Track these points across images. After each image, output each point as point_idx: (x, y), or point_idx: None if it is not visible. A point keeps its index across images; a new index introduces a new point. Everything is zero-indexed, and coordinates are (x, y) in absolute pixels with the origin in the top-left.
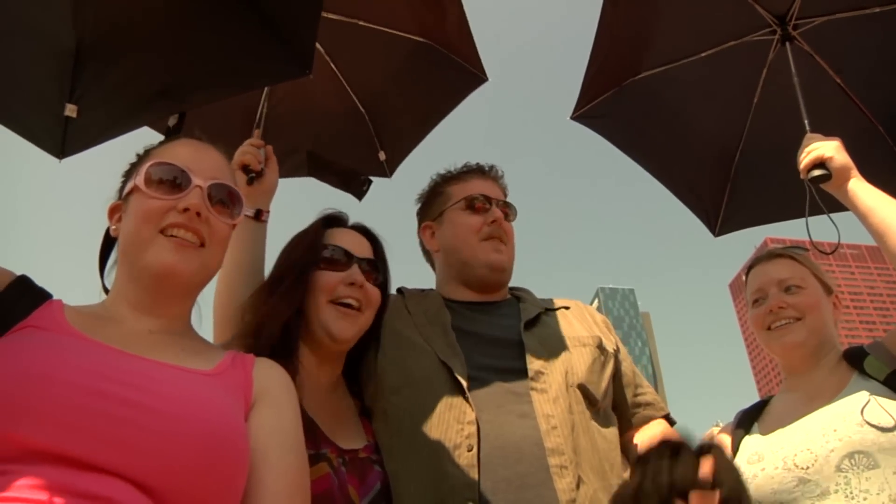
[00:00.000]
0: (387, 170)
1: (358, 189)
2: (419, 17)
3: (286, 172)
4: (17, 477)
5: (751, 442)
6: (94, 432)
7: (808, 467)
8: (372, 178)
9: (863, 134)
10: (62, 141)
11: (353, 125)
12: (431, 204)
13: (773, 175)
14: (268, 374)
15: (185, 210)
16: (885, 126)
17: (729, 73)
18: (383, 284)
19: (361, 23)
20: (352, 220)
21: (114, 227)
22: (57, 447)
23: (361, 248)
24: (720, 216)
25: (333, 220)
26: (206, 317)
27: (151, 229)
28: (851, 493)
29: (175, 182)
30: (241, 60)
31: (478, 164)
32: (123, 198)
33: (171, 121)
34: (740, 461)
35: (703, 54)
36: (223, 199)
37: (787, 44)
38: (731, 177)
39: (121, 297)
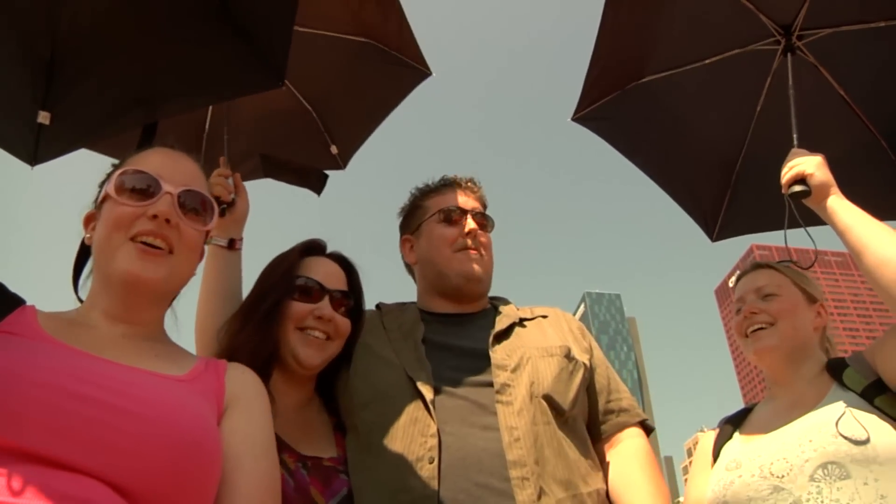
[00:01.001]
0: (340, 162)
1: (315, 184)
2: (358, 19)
3: (243, 177)
4: None
5: (731, 449)
6: (71, 434)
7: (783, 476)
8: (328, 171)
9: (865, 147)
10: (35, 148)
11: (302, 123)
12: (410, 217)
13: (773, 184)
14: (240, 380)
15: (154, 217)
16: (887, 140)
17: (733, 81)
18: (356, 311)
19: (300, 29)
20: (330, 248)
21: (88, 235)
22: (33, 448)
23: (334, 279)
24: (718, 222)
25: (311, 249)
26: (183, 324)
27: (121, 236)
28: (822, 501)
29: (146, 189)
30: (215, 71)
31: (455, 176)
32: (97, 206)
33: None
34: (719, 468)
35: (706, 61)
36: (195, 206)
37: (790, 55)
38: (732, 183)
39: (94, 304)
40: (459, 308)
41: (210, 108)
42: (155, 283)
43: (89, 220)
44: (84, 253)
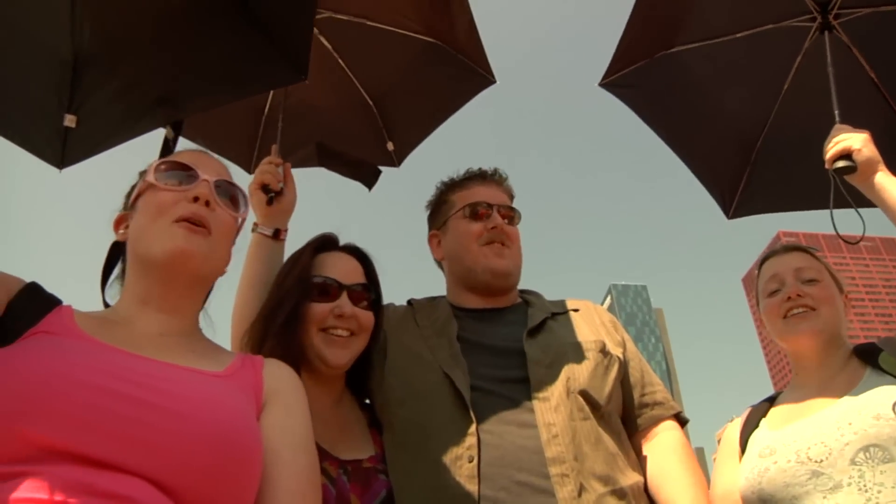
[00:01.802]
0: (395, 159)
1: (367, 178)
2: (428, 19)
3: (296, 163)
4: (36, 476)
5: (760, 436)
6: (111, 432)
7: (821, 460)
8: (381, 167)
9: (890, 131)
10: (62, 151)
11: (361, 117)
12: (437, 213)
13: (794, 164)
14: (278, 375)
15: (195, 199)
16: None
17: (763, 57)
18: (376, 303)
19: (369, 22)
20: (343, 241)
21: (121, 232)
22: (75, 447)
23: (351, 274)
24: (736, 199)
25: (324, 244)
26: (218, 327)
27: (165, 221)
28: (865, 486)
29: (185, 177)
30: (238, 67)
31: (480, 169)
32: (130, 206)
33: (168, 134)
34: (751, 455)
35: (738, 35)
36: (229, 194)
37: (826, 33)
38: (752, 161)
39: (130, 296)
40: (490, 303)
41: (271, 92)
42: (198, 257)
43: (120, 222)
44: (113, 257)
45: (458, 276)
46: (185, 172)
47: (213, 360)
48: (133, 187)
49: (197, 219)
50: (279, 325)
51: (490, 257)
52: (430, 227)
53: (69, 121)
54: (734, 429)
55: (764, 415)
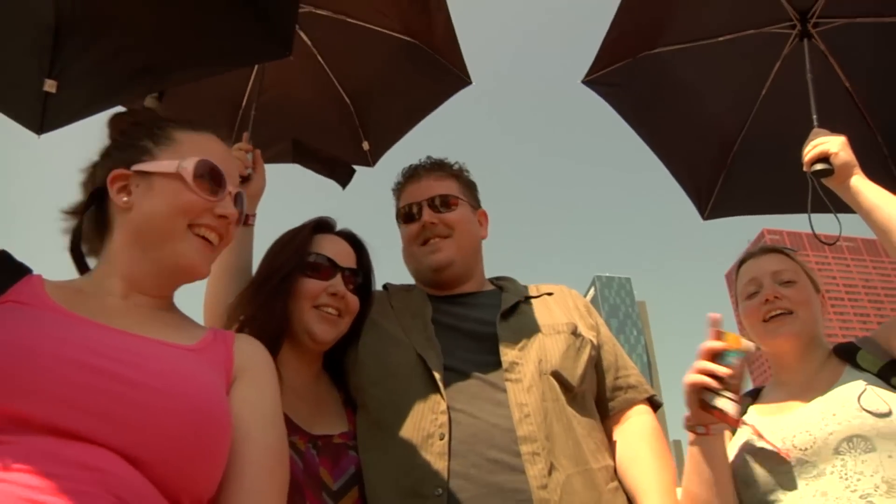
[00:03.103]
0: (370, 159)
1: (341, 176)
2: (407, 18)
3: (271, 158)
4: (8, 447)
5: (750, 419)
6: (82, 404)
7: (806, 448)
8: (355, 166)
9: (861, 140)
10: (41, 116)
11: (338, 115)
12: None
13: (769, 167)
14: (249, 351)
15: (222, 217)
16: (883, 135)
17: (743, 61)
18: (365, 289)
19: (349, 19)
20: (340, 226)
21: (125, 199)
22: (47, 419)
23: (346, 257)
24: (711, 200)
25: (322, 226)
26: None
27: (184, 222)
28: (846, 474)
29: (216, 184)
30: (223, 40)
31: (409, 166)
32: (137, 171)
33: (150, 102)
34: (739, 439)
35: (720, 38)
36: (239, 207)
37: (806, 40)
38: (728, 163)
39: (114, 271)
40: (454, 291)
41: (248, 86)
42: (205, 273)
43: (117, 180)
44: (88, 209)
45: (413, 276)
46: (218, 177)
47: (185, 334)
48: (133, 140)
49: (213, 236)
50: (269, 290)
51: (427, 255)
52: None
53: (49, 86)
54: None
55: (751, 404)
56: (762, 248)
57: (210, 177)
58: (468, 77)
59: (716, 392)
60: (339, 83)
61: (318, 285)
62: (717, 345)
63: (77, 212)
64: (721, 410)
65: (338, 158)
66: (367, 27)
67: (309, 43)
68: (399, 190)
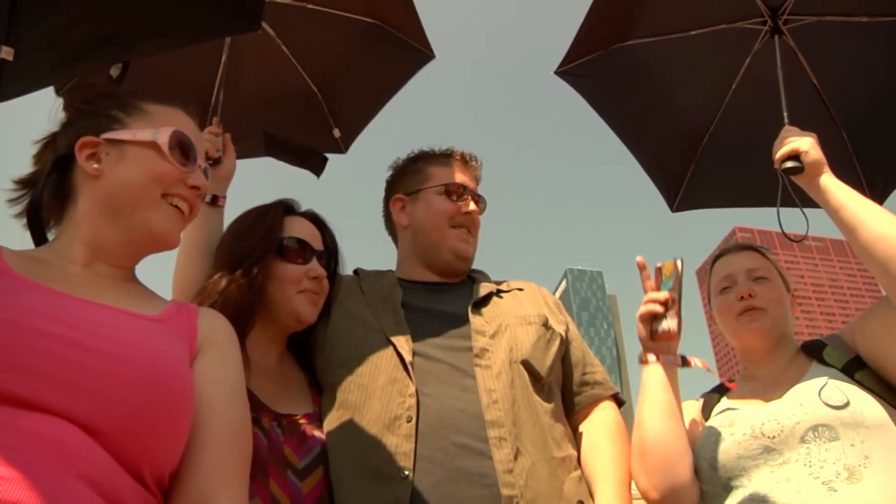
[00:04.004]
0: (342, 146)
1: (315, 166)
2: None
3: (244, 153)
4: None
5: (722, 407)
6: (40, 373)
7: (774, 437)
8: (328, 154)
9: (826, 137)
10: None
11: (306, 105)
12: (408, 179)
13: (738, 161)
14: (212, 324)
15: (194, 188)
16: (847, 133)
17: (713, 56)
18: (332, 270)
19: (310, 6)
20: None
21: (95, 166)
22: (2, 386)
23: (316, 239)
24: (680, 193)
25: (289, 208)
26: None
27: (157, 191)
28: (811, 461)
29: (188, 156)
30: (189, 11)
31: (462, 151)
32: (108, 139)
33: (114, 71)
34: (713, 423)
35: (692, 32)
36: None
37: (777, 37)
38: (698, 156)
39: (80, 239)
40: (440, 280)
41: (217, 79)
42: (175, 242)
43: (87, 147)
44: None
45: (419, 247)
46: (191, 149)
47: (148, 305)
48: (102, 109)
49: (185, 206)
50: (243, 276)
51: (456, 240)
52: (394, 191)
53: (5, 53)
54: (695, 405)
55: (723, 395)
56: (737, 246)
57: (183, 148)
58: (431, 51)
59: (662, 317)
60: (305, 73)
61: (298, 270)
62: (654, 288)
63: (33, 181)
64: (666, 331)
65: (310, 148)
66: (328, 12)
67: (273, 35)
68: (441, 162)
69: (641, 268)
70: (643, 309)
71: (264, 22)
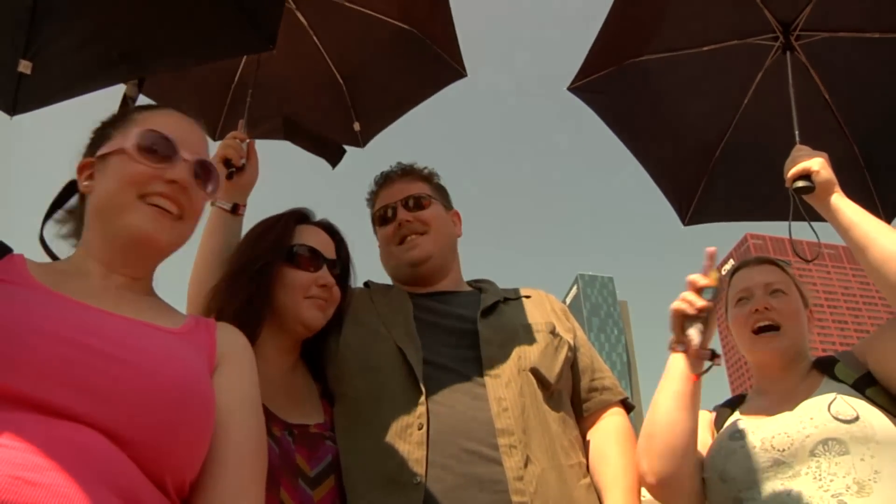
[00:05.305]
0: (360, 140)
1: (332, 155)
2: (406, 6)
3: (262, 135)
4: None
5: (734, 419)
6: (70, 382)
7: (783, 450)
8: (346, 147)
9: (840, 154)
10: (14, 98)
11: (330, 95)
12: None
13: (750, 176)
14: (230, 339)
15: (171, 182)
16: (861, 150)
17: (725, 71)
18: (344, 280)
19: (347, 4)
20: (319, 215)
21: (85, 183)
22: (33, 394)
23: (328, 248)
24: (692, 207)
25: (302, 217)
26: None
27: (132, 194)
28: (820, 475)
29: (164, 152)
30: (205, 31)
31: (381, 173)
32: (98, 156)
33: (130, 91)
34: (724, 435)
35: (704, 48)
36: (205, 175)
37: (788, 53)
38: (709, 170)
39: (91, 254)
40: (432, 288)
41: (241, 63)
42: (163, 244)
43: (84, 169)
44: (66, 196)
45: (391, 277)
46: (165, 145)
47: (168, 318)
48: (101, 131)
49: (168, 204)
50: (249, 281)
51: (404, 252)
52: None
53: (23, 66)
54: (707, 417)
55: (735, 408)
56: (757, 259)
57: (156, 145)
58: (464, 69)
59: (692, 320)
60: (333, 64)
61: (307, 277)
62: (701, 280)
63: (55, 205)
64: (688, 336)
65: (328, 137)
66: (365, 13)
67: (306, 24)
68: (373, 197)
69: (710, 257)
70: (676, 305)
71: (297, 9)
